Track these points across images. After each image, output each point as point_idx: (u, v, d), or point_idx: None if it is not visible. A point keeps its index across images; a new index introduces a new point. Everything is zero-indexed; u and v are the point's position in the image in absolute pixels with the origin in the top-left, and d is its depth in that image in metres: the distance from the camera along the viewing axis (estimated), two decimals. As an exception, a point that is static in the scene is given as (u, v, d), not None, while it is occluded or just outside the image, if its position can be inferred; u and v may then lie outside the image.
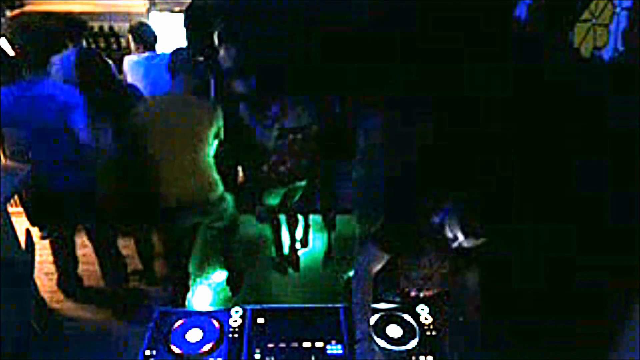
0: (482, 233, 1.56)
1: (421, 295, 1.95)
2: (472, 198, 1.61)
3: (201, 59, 2.86)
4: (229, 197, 2.76)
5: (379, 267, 1.80)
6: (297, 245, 3.47)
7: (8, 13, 3.85)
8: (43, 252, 3.14)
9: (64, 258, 3.06)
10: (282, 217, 3.32)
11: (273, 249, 3.39)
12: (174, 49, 2.64)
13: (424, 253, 1.81)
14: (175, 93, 2.50)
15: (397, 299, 1.97)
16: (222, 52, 2.98)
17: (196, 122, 2.46)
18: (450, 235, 1.61)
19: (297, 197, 3.15)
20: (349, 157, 2.86)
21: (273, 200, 3.08)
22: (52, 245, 3.00)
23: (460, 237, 1.57)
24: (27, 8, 3.99)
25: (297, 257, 3.42)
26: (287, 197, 3.11)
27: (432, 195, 1.74)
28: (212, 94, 3.01)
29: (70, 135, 2.52)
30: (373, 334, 1.70)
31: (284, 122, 2.72)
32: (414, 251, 1.81)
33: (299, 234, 3.53)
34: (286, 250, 3.42)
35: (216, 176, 2.61)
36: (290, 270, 3.38)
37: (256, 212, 3.66)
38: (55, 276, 3.13)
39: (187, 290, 3.03)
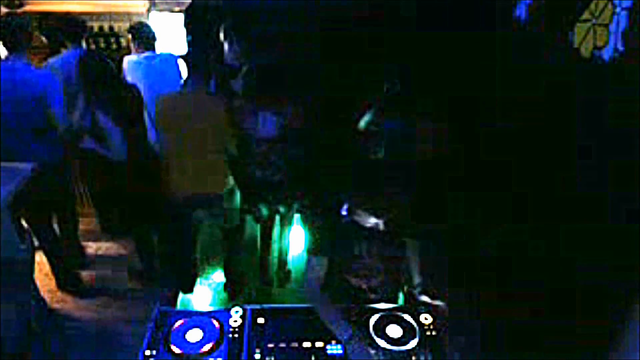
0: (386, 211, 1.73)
1: (372, 285, 1.96)
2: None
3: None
4: (238, 193, 2.79)
5: (321, 273, 1.87)
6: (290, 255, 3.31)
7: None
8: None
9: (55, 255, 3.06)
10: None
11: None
12: (187, 50, 2.66)
13: (353, 245, 1.89)
14: (190, 91, 2.58)
15: (355, 295, 1.97)
16: (226, 48, 2.97)
17: (212, 118, 2.52)
18: (367, 221, 1.77)
19: (293, 210, 3.07)
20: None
21: (262, 208, 3.01)
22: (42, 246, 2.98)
23: (372, 219, 1.74)
24: (27, 8, 3.99)
25: (288, 273, 3.28)
26: (284, 206, 3.01)
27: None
28: (212, 90, 3.00)
29: (49, 120, 2.59)
30: (358, 334, 1.70)
31: (250, 130, 2.66)
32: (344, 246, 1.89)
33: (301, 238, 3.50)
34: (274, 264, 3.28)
35: (227, 170, 2.69)
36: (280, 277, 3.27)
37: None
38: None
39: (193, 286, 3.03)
